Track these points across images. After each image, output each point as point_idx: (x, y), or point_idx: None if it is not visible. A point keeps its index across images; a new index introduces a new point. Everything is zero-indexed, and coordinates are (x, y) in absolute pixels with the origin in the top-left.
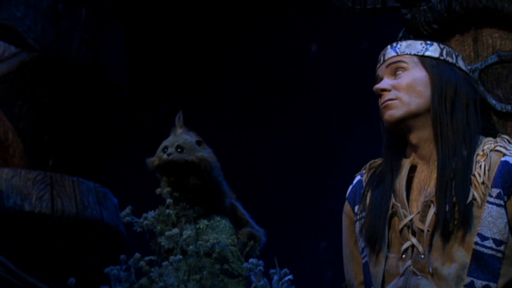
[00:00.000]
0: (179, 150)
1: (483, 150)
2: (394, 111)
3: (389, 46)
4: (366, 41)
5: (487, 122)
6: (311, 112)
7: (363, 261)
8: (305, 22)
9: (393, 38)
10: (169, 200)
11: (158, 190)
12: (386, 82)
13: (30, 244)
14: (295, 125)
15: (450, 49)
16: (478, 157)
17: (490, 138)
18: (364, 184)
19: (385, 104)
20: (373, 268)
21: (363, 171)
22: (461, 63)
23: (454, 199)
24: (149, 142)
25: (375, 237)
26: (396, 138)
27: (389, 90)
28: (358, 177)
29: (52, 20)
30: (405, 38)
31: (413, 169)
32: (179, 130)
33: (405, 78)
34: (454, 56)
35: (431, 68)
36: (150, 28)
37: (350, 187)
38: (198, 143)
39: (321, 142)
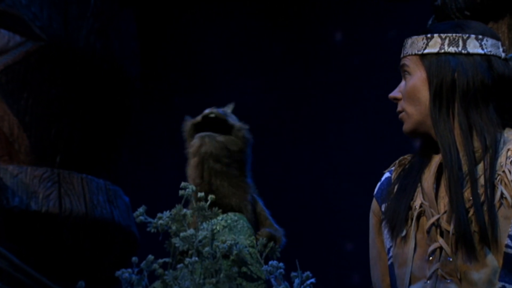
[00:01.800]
0: (223, 113)
1: None
2: (404, 125)
3: (404, 43)
4: (395, 29)
5: None
6: (336, 103)
7: (389, 262)
8: (331, 8)
9: (422, 26)
10: (190, 187)
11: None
12: (396, 89)
13: (37, 245)
14: (319, 118)
15: (457, 33)
16: (509, 153)
17: None
18: (392, 181)
19: (399, 116)
20: (398, 269)
21: (392, 168)
22: (472, 46)
23: (469, 204)
24: (162, 137)
25: (395, 221)
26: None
27: (400, 98)
28: (386, 174)
29: (59, 8)
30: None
31: (442, 165)
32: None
33: (407, 85)
34: (461, 42)
35: (428, 67)
36: (163, 16)
37: (378, 184)
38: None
39: (347, 135)
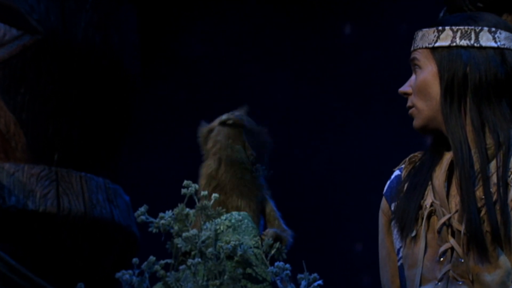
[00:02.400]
0: (240, 118)
1: None
2: (415, 121)
3: (414, 35)
4: (405, 21)
5: None
6: (345, 100)
7: (399, 263)
8: (340, 1)
9: (433, 18)
10: (193, 185)
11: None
12: (406, 84)
13: (34, 246)
14: (326, 115)
15: (469, 26)
16: None
17: None
18: (402, 179)
19: (409, 112)
20: (408, 270)
21: (402, 166)
22: (485, 39)
23: (481, 203)
24: (164, 135)
25: (405, 221)
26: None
27: (410, 93)
28: (396, 172)
29: (57, 0)
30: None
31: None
32: None
33: (417, 79)
34: (473, 35)
35: (439, 61)
36: (165, 10)
37: (388, 182)
38: None
39: (355, 132)
